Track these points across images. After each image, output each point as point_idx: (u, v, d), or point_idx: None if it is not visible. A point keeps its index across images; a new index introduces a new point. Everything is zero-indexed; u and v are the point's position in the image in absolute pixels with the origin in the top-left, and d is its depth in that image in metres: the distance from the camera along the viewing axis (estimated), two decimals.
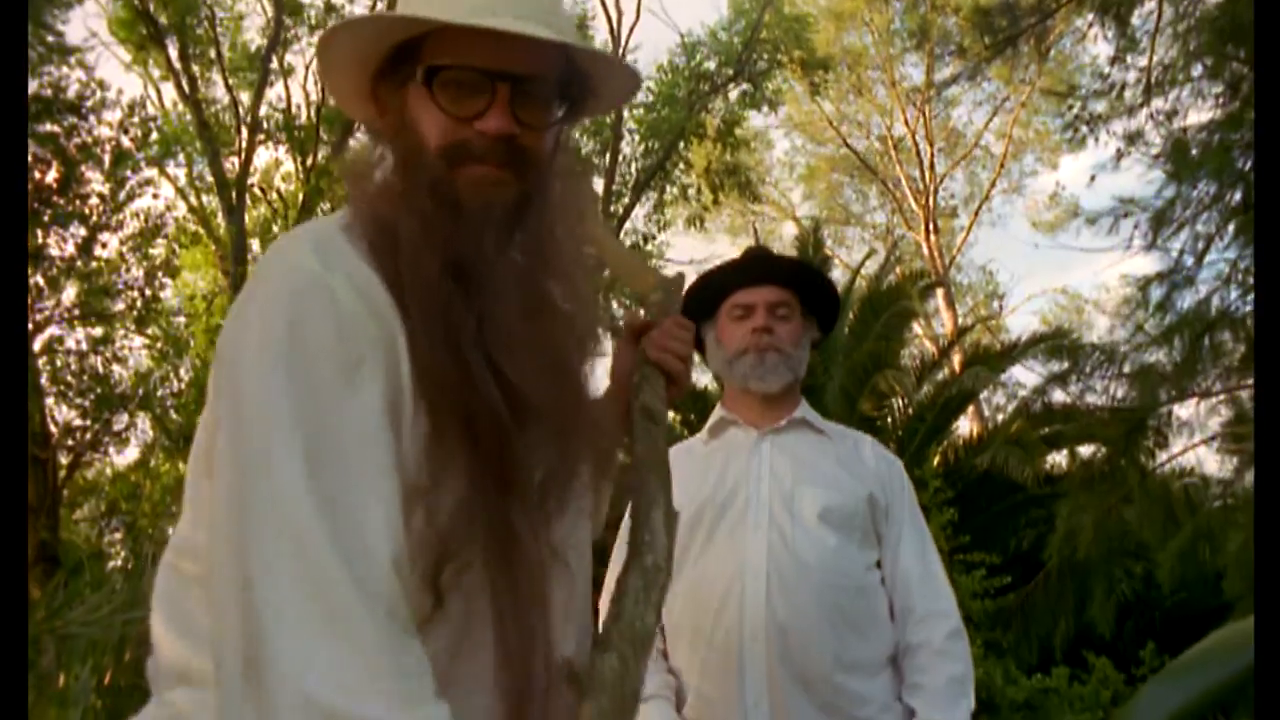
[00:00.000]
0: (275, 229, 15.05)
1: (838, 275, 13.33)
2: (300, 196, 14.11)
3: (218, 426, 0.87)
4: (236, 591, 0.78)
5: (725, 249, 19.41)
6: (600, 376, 1.15)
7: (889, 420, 7.27)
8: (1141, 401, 4.87)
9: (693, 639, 1.77)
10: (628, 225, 15.82)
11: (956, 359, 9.15)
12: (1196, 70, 5.25)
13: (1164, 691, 0.70)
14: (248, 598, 0.76)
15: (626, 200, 15.54)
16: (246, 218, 14.27)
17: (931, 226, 18.24)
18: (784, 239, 19.22)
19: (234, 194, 13.65)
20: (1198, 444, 5.15)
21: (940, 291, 14.97)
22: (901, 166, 18.88)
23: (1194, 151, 5.03)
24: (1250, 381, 4.61)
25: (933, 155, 18.83)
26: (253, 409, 0.82)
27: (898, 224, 19.61)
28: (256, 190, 15.05)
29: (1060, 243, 22.16)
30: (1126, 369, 5.05)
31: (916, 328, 11.48)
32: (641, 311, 1.28)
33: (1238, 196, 4.76)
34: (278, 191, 15.31)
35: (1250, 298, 4.89)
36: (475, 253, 0.95)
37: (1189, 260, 5.01)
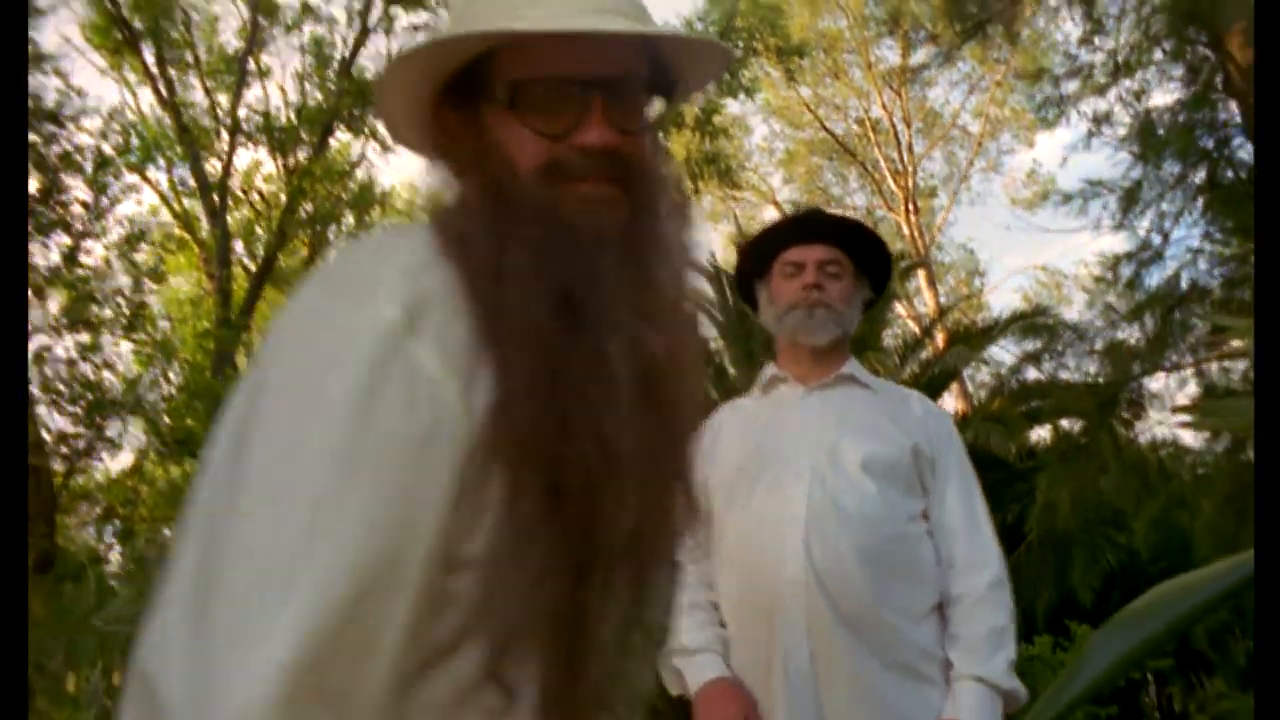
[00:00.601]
0: (258, 230, 15.07)
1: None
2: (282, 197, 14.12)
3: (229, 457, 0.72)
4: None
5: (707, 237, 19.51)
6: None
7: None
8: (1113, 376, 5.01)
9: (737, 589, 1.81)
10: None
11: (940, 338, 9.25)
12: (1159, 54, 5.38)
13: (1110, 640, 0.84)
14: None
15: None
16: (229, 220, 14.30)
17: (911, 207, 18.30)
18: (765, 224, 19.21)
19: (216, 197, 13.67)
20: (1170, 414, 5.30)
21: (922, 271, 15.09)
22: (880, 148, 18.93)
23: (1160, 132, 5.17)
24: (1215, 354, 4.77)
25: (910, 136, 18.89)
26: (274, 487, 0.69)
27: (878, 205, 19.69)
28: (238, 193, 15.06)
29: (1036, 223, 22.35)
30: (1099, 345, 5.19)
31: (899, 308, 11.59)
32: None
33: (1201, 175, 4.90)
34: (260, 193, 15.31)
35: (1217, 272, 5.04)
36: (589, 285, 0.82)
37: (1157, 239, 5.15)
